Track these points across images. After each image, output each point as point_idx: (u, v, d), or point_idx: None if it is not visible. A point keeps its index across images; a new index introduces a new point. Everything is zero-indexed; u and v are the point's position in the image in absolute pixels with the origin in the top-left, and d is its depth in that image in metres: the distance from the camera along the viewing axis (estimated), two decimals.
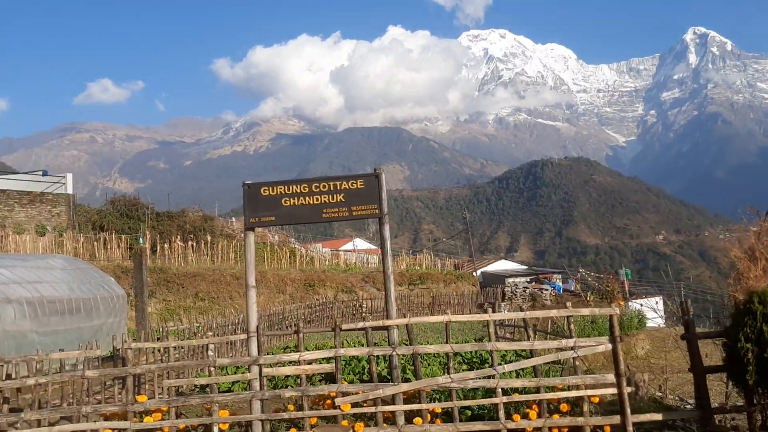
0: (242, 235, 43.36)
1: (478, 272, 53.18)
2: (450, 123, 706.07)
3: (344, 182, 7.34)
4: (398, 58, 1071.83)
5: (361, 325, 7.57)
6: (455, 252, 77.76)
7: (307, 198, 7.32)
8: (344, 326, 7.65)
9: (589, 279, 35.56)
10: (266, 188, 7.49)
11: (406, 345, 7.57)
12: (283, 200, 7.38)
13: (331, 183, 7.35)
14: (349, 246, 71.15)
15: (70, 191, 34.03)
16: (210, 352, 8.12)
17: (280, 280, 32.04)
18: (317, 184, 7.39)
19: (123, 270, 26.11)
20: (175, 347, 9.25)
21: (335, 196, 7.26)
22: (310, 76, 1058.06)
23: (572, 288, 42.70)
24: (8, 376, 8.20)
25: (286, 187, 7.44)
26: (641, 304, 28.09)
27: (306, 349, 9.11)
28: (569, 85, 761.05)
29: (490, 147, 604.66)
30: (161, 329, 20.71)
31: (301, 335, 7.90)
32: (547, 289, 39.73)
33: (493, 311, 8.16)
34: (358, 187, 7.29)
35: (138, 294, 17.20)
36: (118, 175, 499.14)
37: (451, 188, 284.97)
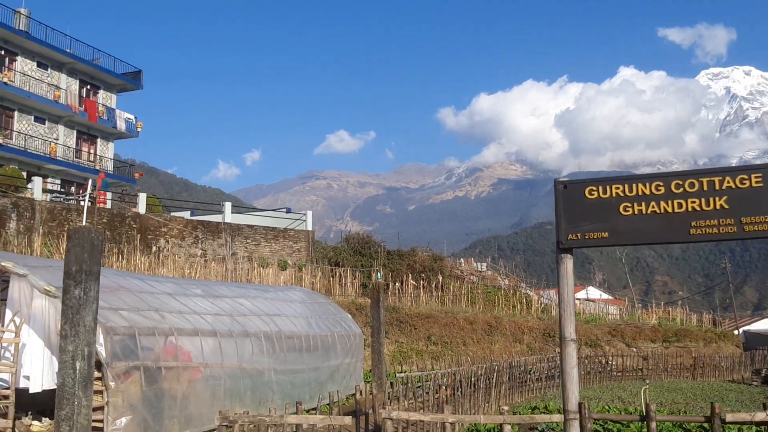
0: (471, 278, 41.42)
1: (740, 331, 45.88)
2: (686, 167, 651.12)
3: (728, 177, 4.68)
4: (629, 99, 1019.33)
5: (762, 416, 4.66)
6: (695, 308, 68.66)
7: (662, 203, 4.77)
8: (729, 416, 4.78)
9: None
10: (594, 187, 5.06)
11: None
12: (621, 206, 4.93)
13: (705, 179, 4.75)
14: (581, 294, 66.41)
15: (309, 228, 34.80)
16: None
17: (516, 328, 29.34)
18: (679, 181, 4.82)
19: (357, 307, 25.34)
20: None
21: (712, 200, 4.65)
22: (534, 120, 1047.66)
23: None
24: None
25: (626, 186, 4.92)
26: None
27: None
28: None
29: None
30: (395, 373, 19.19)
31: (653, 425, 5.11)
32: None
33: None
34: (753, 185, 4.60)
35: (375, 333, 15.51)
36: (350, 218, 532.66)
37: None
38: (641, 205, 4.77)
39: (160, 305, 10.36)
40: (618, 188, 4.83)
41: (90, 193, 31.35)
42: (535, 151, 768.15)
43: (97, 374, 8.49)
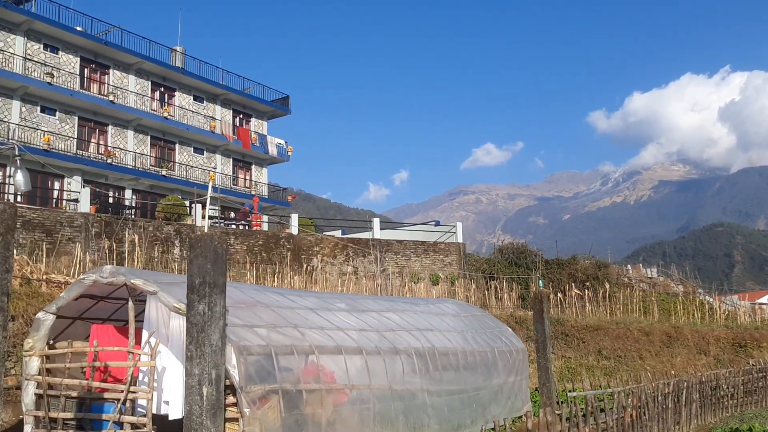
0: (641, 285, 37.81)
1: None
2: None
3: None
4: None
5: None
6: None
7: None
8: None
9: None
10: None
11: None
12: None
13: None
14: (764, 299, 59.57)
15: (460, 240, 33.48)
16: None
17: (700, 339, 26.00)
18: None
19: (516, 320, 23.56)
20: None
21: None
22: (695, 116, 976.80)
23: None
24: None
25: None
26: None
27: None
28: None
29: None
30: (565, 392, 17.24)
31: None
32: None
33: None
34: None
35: (540, 347, 13.72)
36: (501, 232, 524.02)
37: None
38: None
39: (300, 321, 9.44)
40: None
41: (247, 218, 32.23)
42: (698, 149, 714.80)
43: (231, 399, 7.68)
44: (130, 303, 8.86)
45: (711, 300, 40.02)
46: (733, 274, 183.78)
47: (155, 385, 8.75)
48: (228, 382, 7.72)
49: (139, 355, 8.72)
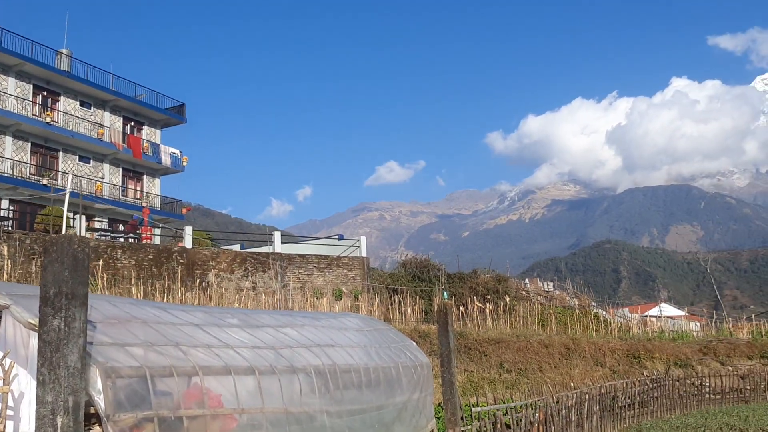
0: (538, 299, 38.59)
1: None
2: (748, 176, 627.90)
3: None
4: (683, 111, 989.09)
5: None
6: None
7: None
8: None
9: None
10: None
11: None
12: None
13: None
14: (654, 311, 62.73)
15: (364, 254, 32.92)
16: None
17: (597, 350, 26.50)
18: None
19: (420, 334, 23.10)
20: None
21: None
22: (585, 139, 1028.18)
23: None
24: None
25: None
26: None
27: None
28: None
29: None
30: (469, 407, 16.83)
31: None
32: None
33: None
34: None
35: (444, 361, 13.21)
36: (404, 248, 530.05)
37: (757, 249, 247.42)
38: None
39: (183, 339, 8.35)
40: None
41: (137, 230, 30.23)
42: (588, 170, 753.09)
43: (97, 430, 6.54)
44: None
45: (604, 313, 41.46)
46: (620, 288, 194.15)
47: (10, 413, 7.46)
48: (93, 410, 6.61)
49: None
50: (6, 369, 7.36)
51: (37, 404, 5.56)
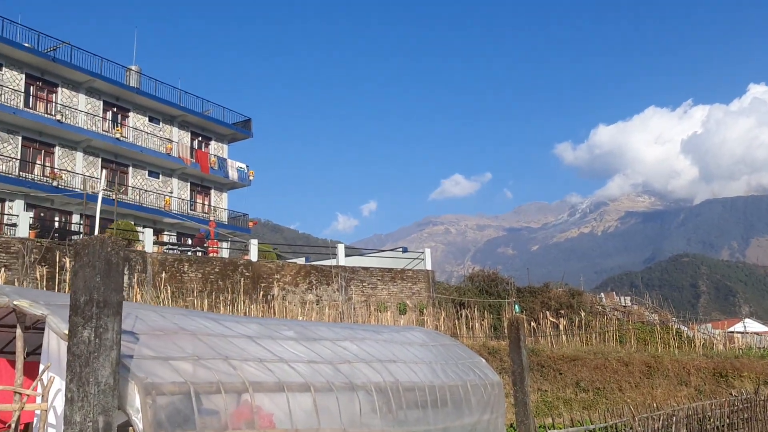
0: (615, 314, 36.73)
1: None
2: None
3: None
4: (761, 119, 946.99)
5: None
6: None
7: None
8: None
9: None
10: None
11: None
12: None
13: None
14: (738, 327, 59.26)
15: (429, 267, 32.04)
16: None
17: (680, 368, 24.78)
18: None
19: (489, 350, 22.07)
20: None
21: None
22: (659, 148, 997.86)
23: None
24: None
25: None
26: None
27: None
28: None
29: None
30: (544, 429, 15.74)
31: None
32: None
33: None
34: None
35: (517, 380, 12.19)
36: (471, 263, 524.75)
37: None
38: None
39: (233, 352, 7.76)
40: None
41: (204, 244, 30.38)
42: (663, 181, 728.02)
43: None
44: (18, 331, 7.16)
45: (686, 329, 39.09)
46: (699, 303, 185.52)
47: (52, 431, 7.02)
48: (132, 431, 6.07)
49: (27, 395, 7.00)
50: (45, 384, 6.94)
51: (65, 425, 5.04)
